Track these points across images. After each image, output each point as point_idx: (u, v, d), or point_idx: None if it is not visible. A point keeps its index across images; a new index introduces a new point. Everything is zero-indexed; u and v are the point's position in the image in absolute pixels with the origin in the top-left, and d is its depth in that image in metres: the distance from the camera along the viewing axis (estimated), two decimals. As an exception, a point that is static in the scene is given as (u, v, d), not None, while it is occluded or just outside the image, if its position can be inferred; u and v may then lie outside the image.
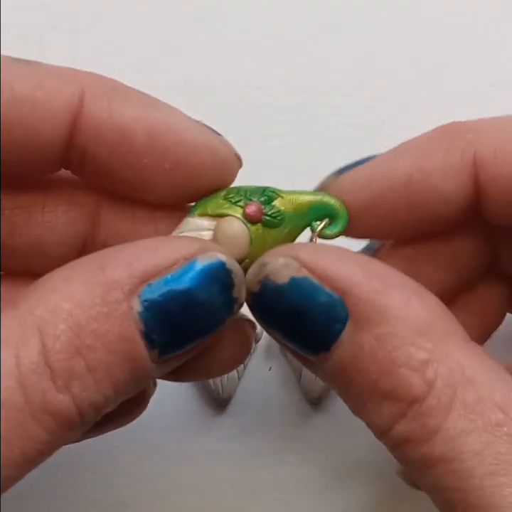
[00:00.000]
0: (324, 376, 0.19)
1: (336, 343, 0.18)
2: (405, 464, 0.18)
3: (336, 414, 0.29)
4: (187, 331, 0.18)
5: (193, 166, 0.19)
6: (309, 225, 0.21)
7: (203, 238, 0.20)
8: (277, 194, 0.20)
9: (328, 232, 0.21)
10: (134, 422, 0.29)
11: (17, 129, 0.18)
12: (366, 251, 0.23)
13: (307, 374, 0.29)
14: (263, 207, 0.20)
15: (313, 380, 0.29)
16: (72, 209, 0.21)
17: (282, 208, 0.20)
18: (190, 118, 0.20)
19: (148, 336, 0.17)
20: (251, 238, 0.20)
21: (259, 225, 0.20)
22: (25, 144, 0.18)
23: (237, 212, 0.20)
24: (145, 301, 0.17)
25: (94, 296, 0.16)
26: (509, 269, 0.23)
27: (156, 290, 0.17)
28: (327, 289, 0.18)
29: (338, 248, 0.19)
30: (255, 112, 0.32)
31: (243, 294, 0.19)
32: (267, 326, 0.19)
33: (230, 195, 0.20)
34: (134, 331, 0.17)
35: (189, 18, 0.34)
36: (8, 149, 0.18)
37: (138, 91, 0.20)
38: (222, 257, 0.18)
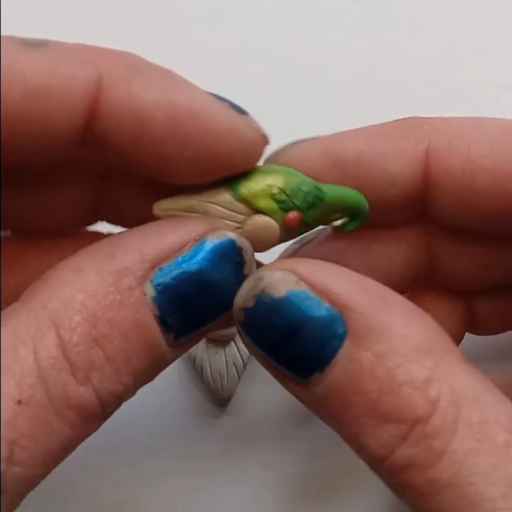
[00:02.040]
0: (314, 401, 0.18)
1: (332, 363, 0.17)
2: (405, 492, 0.17)
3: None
4: (201, 312, 0.18)
5: (217, 153, 0.18)
6: (326, 219, 0.20)
7: (236, 217, 0.19)
8: (320, 197, 0.19)
9: (348, 226, 0.21)
10: (134, 421, 0.30)
11: (33, 122, 0.17)
12: (299, 243, 0.23)
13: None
14: (303, 214, 0.19)
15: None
16: (76, 178, 0.21)
17: (319, 214, 0.20)
18: (214, 98, 0.18)
19: (163, 321, 0.17)
20: (278, 240, 0.19)
21: (291, 230, 0.20)
22: (41, 135, 0.17)
23: (278, 216, 0.19)
24: (158, 285, 0.17)
25: (106, 284, 0.16)
26: (456, 284, 0.23)
27: (167, 273, 0.17)
28: (326, 304, 0.17)
29: (334, 265, 0.18)
30: (255, 112, 0.32)
31: (254, 270, 0.18)
32: (258, 346, 0.18)
33: (279, 198, 0.19)
34: (149, 316, 0.17)
35: (189, 18, 0.34)
36: (23, 141, 0.17)
37: (158, 67, 0.18)
38: (231, 236, 0.18)
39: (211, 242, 0.17)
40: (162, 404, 0.29)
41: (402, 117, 0.21)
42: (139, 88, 0.17)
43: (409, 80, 0.33)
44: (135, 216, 0.20)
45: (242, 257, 0.18)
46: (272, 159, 0.21)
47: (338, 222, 0.21)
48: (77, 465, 0.29)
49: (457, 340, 0.24)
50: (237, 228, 0.19)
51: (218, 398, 0.29)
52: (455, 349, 0.17)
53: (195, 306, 0.17)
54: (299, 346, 0.17)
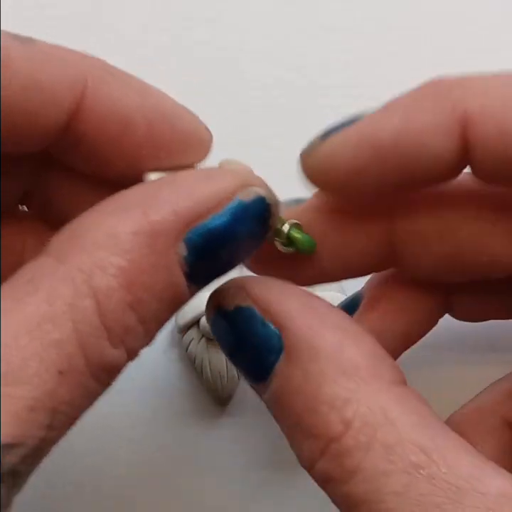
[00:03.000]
0: (266, 405, 0.19)
1: (271, 376, 0.18)
2: (334, 502, 0.18)
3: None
4: (225, 265, 0.18)
5: (183, 152, 0.20)
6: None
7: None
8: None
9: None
10: (134, 421, 0.30)
11: (19, 113, 0.17)
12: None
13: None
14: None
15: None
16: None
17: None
18: (177, 102, 0.20)
19: (191, 277, 0.17)
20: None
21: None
22: (24, 127, 0.18)
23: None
24: (190, 244, 0.17)
25: (141, 246, 0.16)
26: (423, 278, 0.23)
27: (200, 232, 0.17)
28: (266, 321, 0.18)
29: (285, 283, 0.19)
30: (255, 112, 0.32)
31: (275, 224, 0.19)
32: (223, 349, 0.20)
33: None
34: (180, 276, 0.17)
35: (189, 18, 0.34)
36: (5, 132, 0.17)
37: (132, 75, 0.19)
38: (262, 192, 0.18)
39: (242, 199, 0.18)
40: (162, 404, 0.29)
41: (428, 80, 0.20)
42: (120, 91, 0.18)
43: (409, 79, 0.33)
44: (62, 211, 0.21)
45: (269, 212, 0.18)
46: (307, 157, 0.21)
47: (281, 248, 0.21)
48: (78, 465, 0.29)
49: (431, 324, 0.25)
50: None
51: (218, 398, 0.29)
52: (386, 370, 0.18)
53: (221, 261, 0.18)
54: (244, 356, 0.19)
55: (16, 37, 0.17)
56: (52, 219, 0.22)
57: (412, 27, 0.33)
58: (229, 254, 0.18)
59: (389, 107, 0.20)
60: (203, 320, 0.28)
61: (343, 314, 0.19)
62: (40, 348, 0.15)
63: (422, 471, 0.16)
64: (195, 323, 0.29)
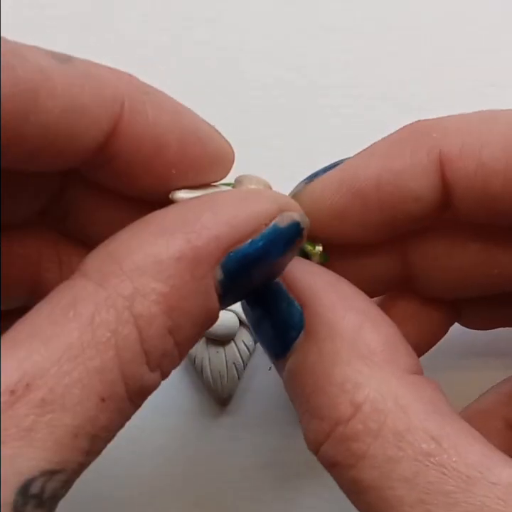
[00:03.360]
0: (284, 383, 0.19)
1: (290, 351, 0.18)
2: (340, 487, 0.18)
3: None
4: (254, 284, 0.18)
5: (210, 170, 0.20)
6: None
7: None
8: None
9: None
10: (134, 421, 0.29)
11: (60, 135, 0.17)
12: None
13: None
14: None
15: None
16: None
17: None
18: (206, 122, 0.20)
19: (223, 298, 0.17)
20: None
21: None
22: (63, 148, 0.17)
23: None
24: (226, 269, 0.17)
25: (183, 273, 0.16)
26: (435, 295, 0.23)
27: (236, 257, 0.17)
28: (292, 297, 0.19)
29: (313, 264, 0.20)
30: (255, 112, 0.32)
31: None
32: (249, 323, 0.20)
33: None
34: (215, 299, 0.17)
35: (189, 18, 0.34)
36: (47, 152, 0.17)
37: (164, 93, 0.19)
38: (297, 217, 0.18)
39: (279, 226, 0.18)
40: (162, 404, 0.29)
41: (406, 125, 0.20)
42: (155, 111, 0.18)
43: (409, 79, 0.33)
44: (78, 223, 0.21)
45: (301, 236, 0.19)
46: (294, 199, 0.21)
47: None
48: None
49: (440, 334, 0.25)
50: None
51: (218, 398, 0.29)
52: (403, 360, 0.18)
53: (252, 283, 0.18)
54: (268, 331, 0.19)
55: (54, 55, 0.17)
56: (68, 230, 0.22)
57: (412, 27, 0.33)
58: (260, 276, 0.18)
59: (368, 152, 0.20)
60: (203, 320, 0.28)
61: (367, 298, 0.19)
62: (83, 375, 0.15)
63: (432, 459, 0.16)
64: (195, 323, 0.29)
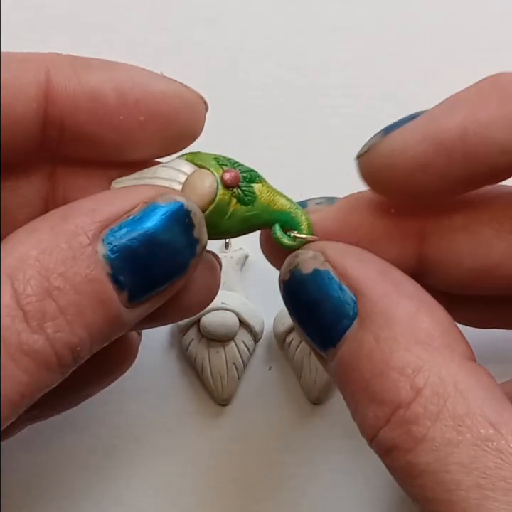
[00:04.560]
0: (330, 373, 0.19)
1: (342, 340, 0.18)
2: (393, 473, 0.18)
3: (335, 414, 0.29)
4: (153, 272, 0.19)
5: (164, 112, 0.20)
6: (271, 224, 0.21)
7: (178, 179, 0.20)
8: (260, 180, 0.21)
9: (285, 240, 0.21)
10: (135, 421, 0.29)
11: None
12: (324, 201, 0.23)
13: (307, 374, 0.29)
14: (241, 180, 0.21)
15: (313, 380, 0.29)
16: (29, 170, 0.21)
17: (257, 193, 0.21)
18: (152, 72, 0.21)
19: (115, 278, 0.18)
20: (216, 198, 0.20)
21: (228, 193, 0.20)
22: (4, 125, 0.19)
23: (218, 171, 0.20)
24: (109, 243, 0.18)
25: (59, 241, 0.17)
26: (442, 289, 0.23)
27: (118, 233, 0.18)
28: (343, 286, 0.19)
29: (363, 251, 0.20)
30: (255, 112, 0.32)
31: (205, 235, 0.20)
32: (292, 316, 0.20)
33: (220, 159, 0.21)
34: (100, 272, 0.18)
35: (189, 18, 0.34)
36: None
37: (98, 59, 0.20)
38: (180, 199, 0.19)
39: (160, 204, 0.19)
40: (162, 404, 0.29)
41: (488, 76, 0.20)
42: (85, 71, 0.20)
43: (409, 79, 0.33)
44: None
45: (190, 219, 0.19)
46: (366, 156, 0.20)
47: (278, 233, 0.21)
48: (77, 465, 0.29)
49: None
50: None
51: (218, 398, 0.29)
52: (460, 346, 0.18)
53: (146, 266, 0.18)
54: (317, 320, 0.19)
55: None
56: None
57: (412, 27, 0.33)
58: (155, 260, 0.18)
59: (451, 102, 0.20)
60: (203, 320, 0.28)
61: (416, 284, 0.19)
62: None
63: (490, 445, 0.16)
64: (195, 323, 0.29)
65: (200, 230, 0.19)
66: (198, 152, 0.21)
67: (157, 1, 0.34)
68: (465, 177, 0.19)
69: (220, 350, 0.29)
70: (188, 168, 0.21)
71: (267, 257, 0.23)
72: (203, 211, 0.20)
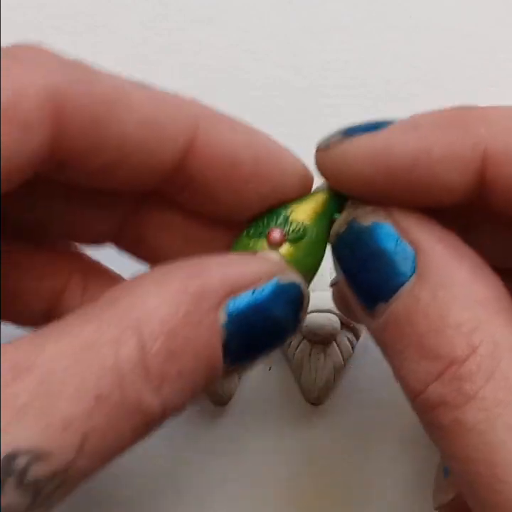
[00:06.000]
0: (376, 332, 0.19)
1: (395, 296, 0.18)
2: (434, 431, 0.18)
3: (336, 414, 0.29)
4: (258, 343, 0.18)
5: (284, 187, 0.21)
6: (332, 220, 0.21)
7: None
8: (290, 209, 0.21)
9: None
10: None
11: (136, 148, 0.18)
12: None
13: (307, 374, 0.29)
14: (282, 228, 0.21)
15: (313, 380, 0.29)
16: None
17: (300, 219, 0.21)
18: (281, 144, 0.21)
19: (226, 346, 0.18)
20: (284, 261, 0.20)
21: (286, 245, 0.21)
22: (140, 164, 0.19)
23: (263, 244, 0.21)
24: (230, 312, 0.18)
25: (188, 302, 0.17)
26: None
27: (240, 303, 0.18)
28: (404, 241, 0.19)
29: (422, 214, 0.20)
30: (255, 112, 0.32)
31: (304, 319, 0.20)
32: (341, 269, 0.20)
33: (251, 232, 0.21)
34: (218, 340, 0.17)
35: (189, 18, 0.34)
36: (125, 167, 0.19)
37: (238, 119, 0.21)
38: (298, 281, 0.19)
39: (281, 282, 0.19)
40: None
41: (453, 107, 0.20)
42: (228, 131, 0.20)
43: (409, 79, 0.33)
44: (152, 249, 0.22)
45: (302, 302, 0.19)
46: (323, 152, 0.21)
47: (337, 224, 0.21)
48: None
49: None
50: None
51: (218, 398, 0.29)
52: (511, 311, 0.18)
53: (255, 338, 0.18)
54: (371, 274, 0.19)
55: (132, 80, 0.19)
56: (143, 255, 0.23)
57: (412, 27, 0.33)
58: (263, 334, 0.18)
59: (410, 125, 0.20)
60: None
61: (473, 251, 0.19)
62: (82, 370, 0.15)
63: None
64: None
65: (306, 312, 0.19)
66: (234, 246, 0.21)
67: (157, 1, 0.34)
68: (408, 200, 0.20)
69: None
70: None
71: (341, 310, 0.24)
72: None
